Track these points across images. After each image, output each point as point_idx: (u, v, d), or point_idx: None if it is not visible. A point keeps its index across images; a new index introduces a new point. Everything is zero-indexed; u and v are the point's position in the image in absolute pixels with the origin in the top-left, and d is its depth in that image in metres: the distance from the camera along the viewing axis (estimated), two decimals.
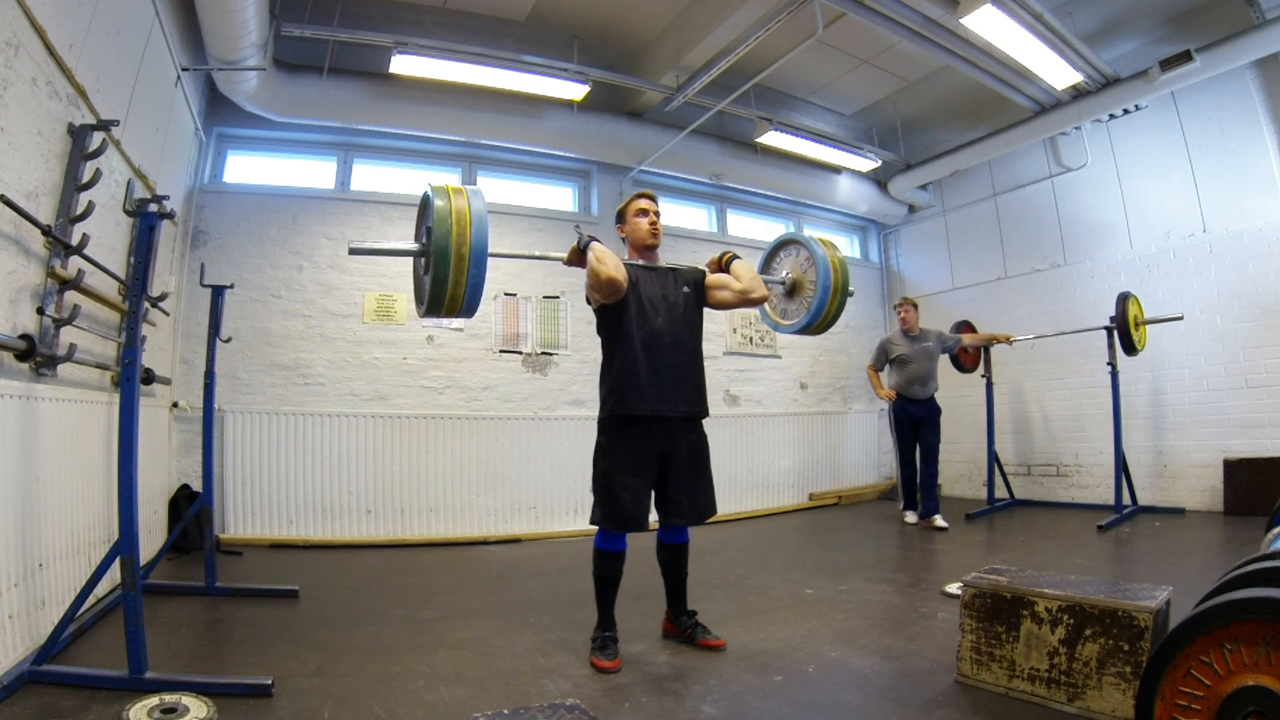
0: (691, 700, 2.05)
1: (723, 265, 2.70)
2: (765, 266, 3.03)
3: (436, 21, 5.06)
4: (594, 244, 2.42)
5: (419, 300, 2.19)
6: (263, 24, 3.89)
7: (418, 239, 2.21)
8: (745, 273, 2.62)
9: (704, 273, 2.69)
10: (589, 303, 2.59)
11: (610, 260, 2.38)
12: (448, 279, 1.99)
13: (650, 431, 2.45)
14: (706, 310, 2.69)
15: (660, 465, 2.48)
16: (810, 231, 7.71)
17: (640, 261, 2.61)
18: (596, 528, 2.48)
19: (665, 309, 2.51)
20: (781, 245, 3.01)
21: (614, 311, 2.48)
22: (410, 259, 2.27)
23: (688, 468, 2.51)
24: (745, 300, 2.61)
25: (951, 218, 7.23)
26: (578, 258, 2.46)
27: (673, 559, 2.64)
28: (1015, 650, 2.01)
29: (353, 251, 2.15)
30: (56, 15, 2.35)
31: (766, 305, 3.02)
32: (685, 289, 2.60)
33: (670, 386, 2.46)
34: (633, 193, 2.75)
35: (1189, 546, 4.14)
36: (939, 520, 5.20)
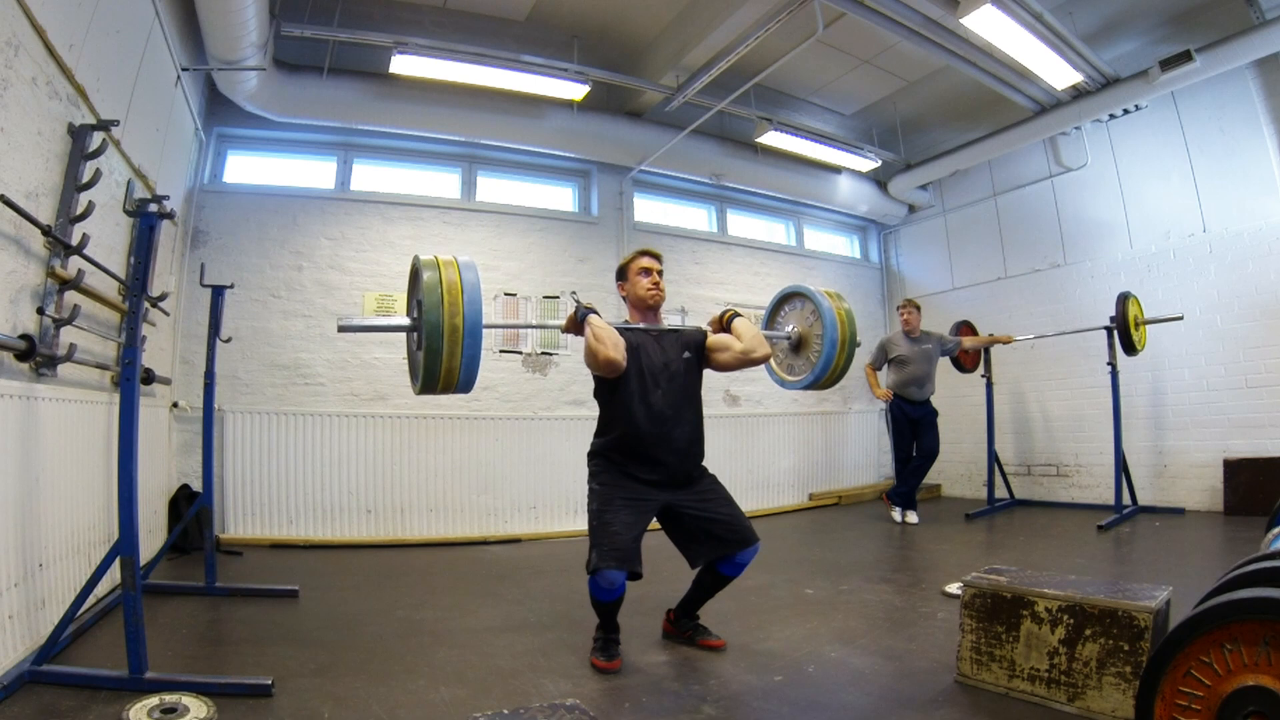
0: (691, 700, 2.05)
1: (724, 324, 2.61)
2: (769, 321, 2.98)
3: (436, 21, 5.06)
4: (591, 317, 2.35)
5: (414, 378, 2.12)
6: (263, 24, 3.88)
7: (409, 313, 2.13)
8: (747, 331, 2.53)
9: (705, 334, 2.60)
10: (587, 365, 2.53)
11: (609, 339, 2.30)
12: (441, 354, 1.91)
13: (646, 486, 2.42)
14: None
15: (675, 516, 2.44)
16: (811, 230, 7.71)
17: (641, 325, 2.55)
18: (597, 570, 2.26)
19: (666, 379, 2.45)
20: (785, 299, 2.94)
21: (613, 381, 2.43)
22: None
23: (712, 499, 2.48)
24: (747, 360, 2.51)
25: (951, 218, 7.23)
26: (574, 327, 2.40)
27: (718, 584, 2.55)
28: (1015, 650, 2.01)
29: (342, 329, 2.05)
30: (56, 15, 2.35)
31: (772, 362, 2.93)
32: (686, 354, 2.53)
33: (667, 454, 2.42)
34: (635, 250, 2.64)
35: (1189, 546, 4.14)
36: (911, 516, 5.23)
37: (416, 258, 2.05)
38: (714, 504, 2.48)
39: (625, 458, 2.43)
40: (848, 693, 2.10)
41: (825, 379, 2.73)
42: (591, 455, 2.52)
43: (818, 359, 2.70)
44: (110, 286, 2.91)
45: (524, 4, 5.04)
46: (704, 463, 2.60)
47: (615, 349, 2.31)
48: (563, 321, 2.45)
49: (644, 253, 2.63)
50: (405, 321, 2.11)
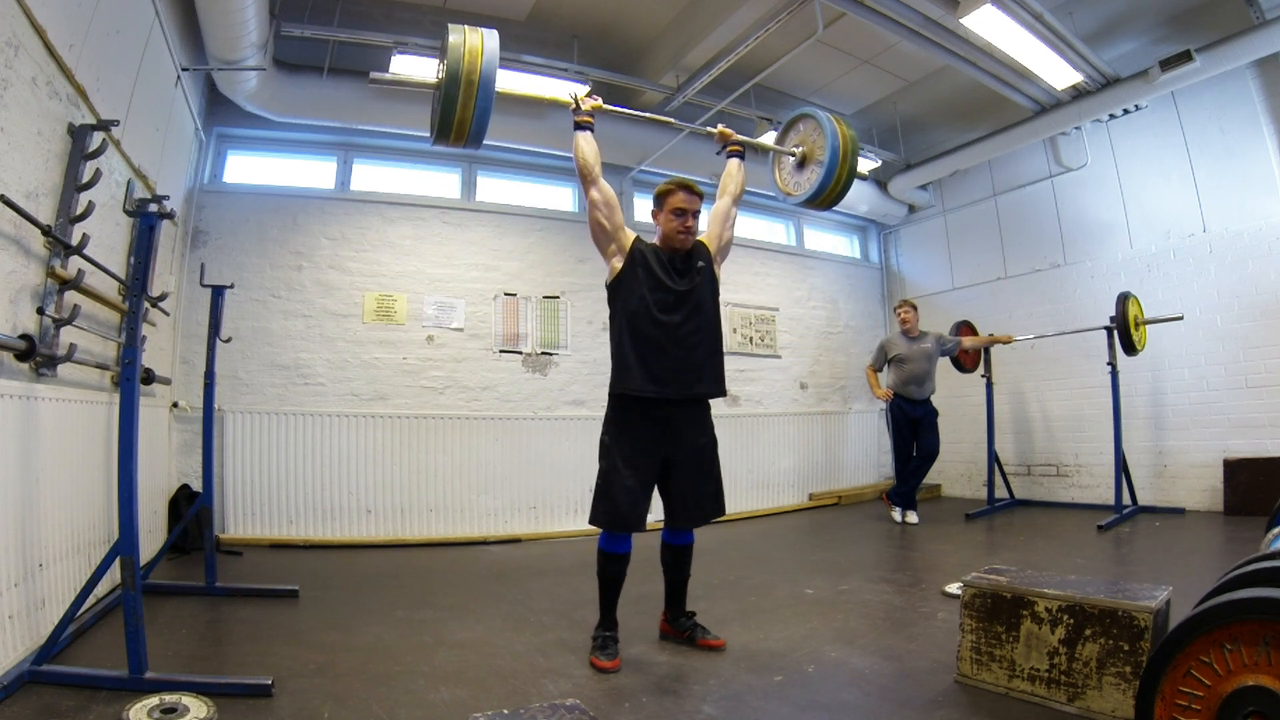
0: (691, 700, 2.05)
1: (727, 146, 2.82)
2: (780, 141, 3.10)
3: (436, 21, 5.05)
4: (579, 133, 2.51)
5: (431, 130, 2.32)
6: (263, 24, 3.89)
7: (437, 75, 2.33)
8: (737, 173, 2.80)
9: (703, 245, 2.65)
10: (606, 286, 2.57)
11: (590, 151, 2.48)
12: (457, 100, 2.16)
13: (654, 423, 2.44)
14: None
15: (664, 467, 2.47)
16: (811, 230, 7.70)
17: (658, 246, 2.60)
18: (599, 529, 2.48)
19: (677, 296, 2.48)
20: (792, 123, 3.05)
21: (624, 290, 2.47)
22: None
23: (693, 471, 2.51)
24: (738, 197, 2.79)
25: (951, 218, 7.23)
26: (574, 124, 2.53)
27: (676, 560, 2.63)
28: (1015, 650, 2.01)
29: (373, 81, 2.42)
30: (56, 15, 2.35)
31: (779, 177, 3.10)
32: (700, 263, 2.57)
33: (680, 369, 2.44)
34: (675, 180, 2.61)
35: (1189, 546, 4.14)
36: (911, 516, 5.23)
37: (448, 26, 2.24)
38: (704, 479, 2.54)
39: (632, 368, 2.41)
40: (848, 693, 2.09)
41: (828, 190, 2.82)
42: (610, 395, 2.52)
43: (820, 172, 2.81)
44: (110, 286, 2.91)
45: (524, 4, 5.03)
46: (715, 414, 2.62)
47: (594, 158, 2.48)
48: (573, 134, 2.54)
49: (683, 187, 2.55)
50: (433, 80, 2.32)
